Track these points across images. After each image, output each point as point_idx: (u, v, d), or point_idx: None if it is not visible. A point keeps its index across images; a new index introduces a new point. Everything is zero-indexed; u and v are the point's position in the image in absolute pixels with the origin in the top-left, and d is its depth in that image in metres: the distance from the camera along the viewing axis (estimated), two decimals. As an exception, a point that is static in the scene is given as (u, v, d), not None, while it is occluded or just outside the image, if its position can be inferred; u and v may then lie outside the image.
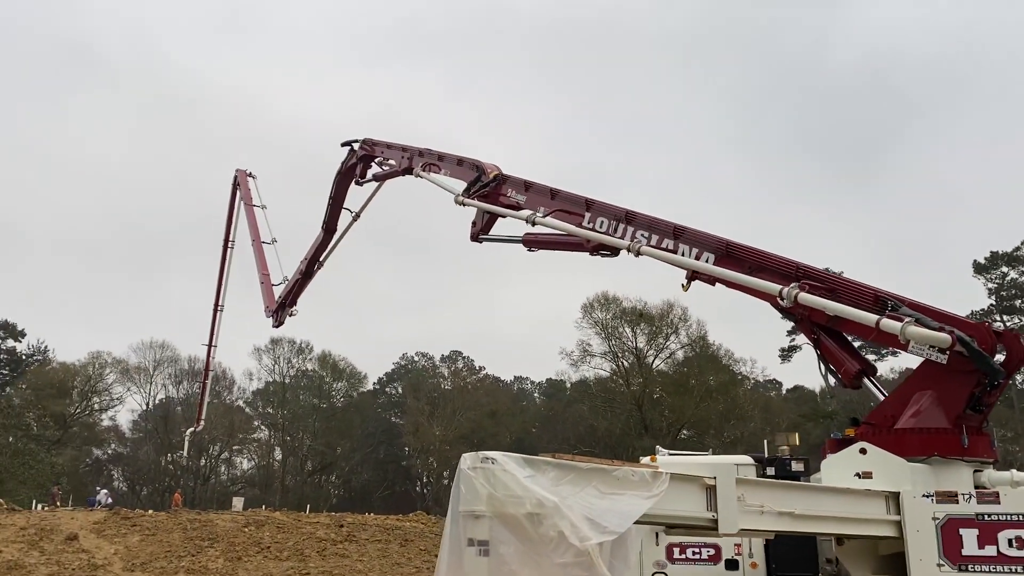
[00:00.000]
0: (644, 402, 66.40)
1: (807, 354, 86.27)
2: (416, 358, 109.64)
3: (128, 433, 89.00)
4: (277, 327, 29.46)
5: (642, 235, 12.30)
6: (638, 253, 11.84)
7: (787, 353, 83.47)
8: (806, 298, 9.14)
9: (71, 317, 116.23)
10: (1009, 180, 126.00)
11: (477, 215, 17.12)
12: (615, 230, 12.87)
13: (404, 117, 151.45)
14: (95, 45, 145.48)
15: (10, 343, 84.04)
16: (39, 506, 37.76)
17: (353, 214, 25.31)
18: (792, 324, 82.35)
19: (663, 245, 11.83)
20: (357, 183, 23.79)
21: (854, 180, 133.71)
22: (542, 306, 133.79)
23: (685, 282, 11.43)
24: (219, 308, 35.33)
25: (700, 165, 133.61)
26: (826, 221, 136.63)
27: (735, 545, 10.84)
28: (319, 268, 27.33)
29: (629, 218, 12.68)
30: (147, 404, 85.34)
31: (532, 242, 15.42)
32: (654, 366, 69.02)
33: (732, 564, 10.90)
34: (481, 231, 17.06)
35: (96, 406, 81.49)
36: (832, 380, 10.08)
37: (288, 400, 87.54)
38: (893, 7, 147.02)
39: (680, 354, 68.77)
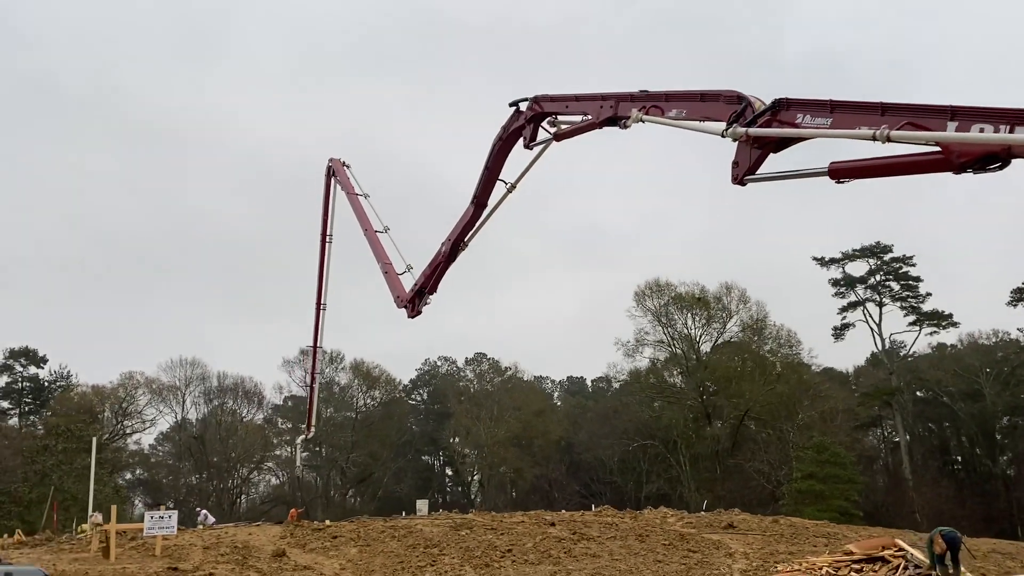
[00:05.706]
0: (705, 391, 64.62)
1: (859, 331, 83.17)
2: (439, 363, 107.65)
3: (158, 455, 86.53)
4: (414, 317, 27.26)
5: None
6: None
7: (840, 332, 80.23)
8: None
9: (75, 341, 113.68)
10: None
11: (740, 154, 15.09)
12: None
13: (365, 134, 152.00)
14: (57, 80, 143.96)
15: (32, 370, 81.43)
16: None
17: (508, 185, 23.45)
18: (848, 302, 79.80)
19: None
20: (527, 147, 21.85)
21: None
22: (530, 308, 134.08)
23: None
24: (322, 307, 33.59)
25: (666, 164, 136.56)
26: (797, 209, 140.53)
27: None
28: (463, 249, 25.34)
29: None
30: (179, 423, 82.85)
31: (846, 170, 13.18)
32: (711, 352, 67.17)
33: None
34: (748, 171, 15.21)
35: (128, 429, 78.91)
36: None
37: (322, 412, 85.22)
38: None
39: (741, 337, 66.93)
